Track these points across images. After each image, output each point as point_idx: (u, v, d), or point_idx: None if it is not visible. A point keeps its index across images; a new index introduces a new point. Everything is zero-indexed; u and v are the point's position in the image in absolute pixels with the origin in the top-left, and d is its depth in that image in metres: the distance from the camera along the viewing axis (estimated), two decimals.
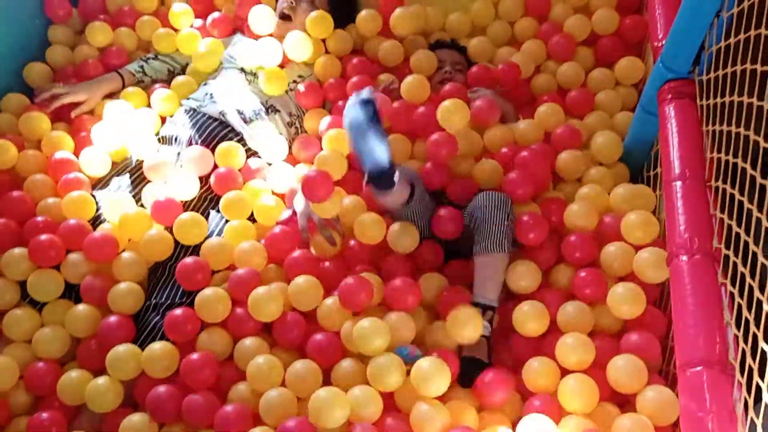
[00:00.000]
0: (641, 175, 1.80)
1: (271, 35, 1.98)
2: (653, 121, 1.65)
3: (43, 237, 1.56)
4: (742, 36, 1.29)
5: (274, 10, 2.02)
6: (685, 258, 1.31)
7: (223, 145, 1.78)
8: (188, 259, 1.57)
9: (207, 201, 1.77)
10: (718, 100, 1.37)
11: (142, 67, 2.07)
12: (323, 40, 2.03)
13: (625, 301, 1.48)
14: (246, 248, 1.61)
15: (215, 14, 2.12)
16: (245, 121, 1.88)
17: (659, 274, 1.48)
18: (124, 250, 1.65)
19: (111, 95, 2.00)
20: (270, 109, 1.93)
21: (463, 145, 1.80)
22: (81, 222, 1.62)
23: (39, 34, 2.13)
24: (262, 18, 1.97)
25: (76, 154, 1.82)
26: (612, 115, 1.93)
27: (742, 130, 1.24)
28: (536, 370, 1.45)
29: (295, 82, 2.00)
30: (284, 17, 2.01)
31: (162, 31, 2.09)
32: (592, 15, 2.08)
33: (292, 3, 2.00)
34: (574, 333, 1.46)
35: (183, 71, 2.10)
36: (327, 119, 1.90)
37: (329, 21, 1.99)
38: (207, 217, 1.72)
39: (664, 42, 1.63)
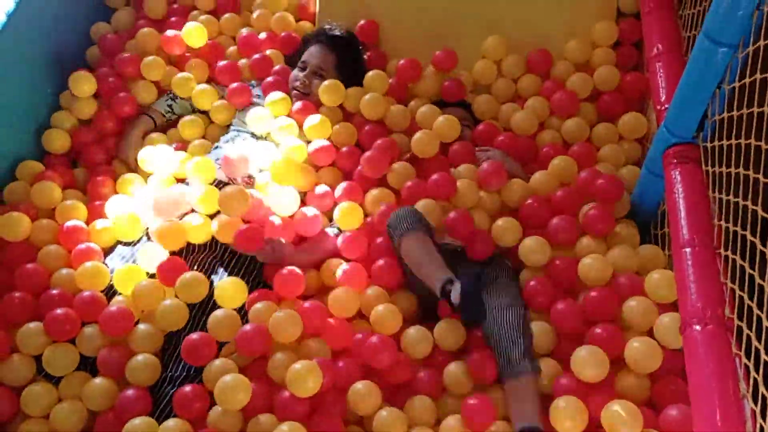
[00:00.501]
0: (649, 233, 1.83)
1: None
2: (659, 182, 1.68)
3: (59, 311, 1.57)
4: (745, 110, 1.32)
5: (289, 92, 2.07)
6: (698, 327, 1.32)
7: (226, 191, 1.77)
8: (194, 335, 1.58)
9: (212, 261, 1.78)
10: (724, 169, 1.40)
11: (170, 106, 2.14)
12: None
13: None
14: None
15: (234, 85, 2.11)
16: (251, 185, 1.91)
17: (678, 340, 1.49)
18: (138, 321, 1.66)
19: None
20: None
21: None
22: (96, 295, 1.63)
23: (49, 103, 2.16)
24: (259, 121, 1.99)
25: (90, 221, 1.85)
26: (617, 169, 1.96)
27: (749, 203, 1.27)
28: None
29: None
30: (300, 96, 2.05)
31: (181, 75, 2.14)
32: (592, 72, 2.13)
33: (305, 82, 2.05)
34: None
35: None
36: (342, 185, 1.92)
37: (341, 88, 2.03)
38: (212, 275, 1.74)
39: (666, 106, 1.67)
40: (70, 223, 1.81)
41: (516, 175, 1.90)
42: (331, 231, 1.85)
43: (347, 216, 1.82)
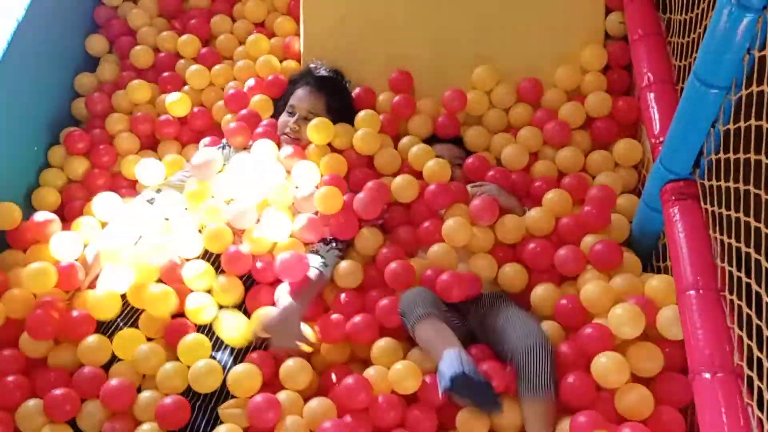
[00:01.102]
0: (650, 264, 1.81)
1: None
2: (658, 216, 1.66)
3: (58, 392, 1.55)
4: (742, 155, 1.30)
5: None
6: (707, 375, 1.30)
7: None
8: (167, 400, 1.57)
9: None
10: (723, 211, 1.38)
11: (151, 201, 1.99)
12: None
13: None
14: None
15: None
16: None
17: None
18: (140, 388, 1.64)
19: None
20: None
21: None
22: (96, 372, 1.61)
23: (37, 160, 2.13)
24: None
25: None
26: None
27: (752, 251, 1.25)
28: None
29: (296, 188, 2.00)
30: (289, 142, 2.02)
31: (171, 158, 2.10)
32: (584, 97, 2.11)
33: (295, 128, 2.02)
34: None
35: None
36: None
37: (330, 126, 2.00)
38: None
39: (661, 139, 1.65)
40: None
41: (512, 210, 1.88)
42: (315, 261, 1.81)
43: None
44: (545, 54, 2.17)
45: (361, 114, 2.07)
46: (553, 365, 1.52)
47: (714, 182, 1.43)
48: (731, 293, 1.35)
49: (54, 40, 2.25)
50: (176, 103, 2.19)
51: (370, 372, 1.60)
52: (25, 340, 1.63)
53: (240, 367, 1.61)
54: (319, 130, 1.99)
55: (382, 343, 1.66)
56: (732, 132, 1.34)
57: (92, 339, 1.66)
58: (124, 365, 1.66)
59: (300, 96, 2.06)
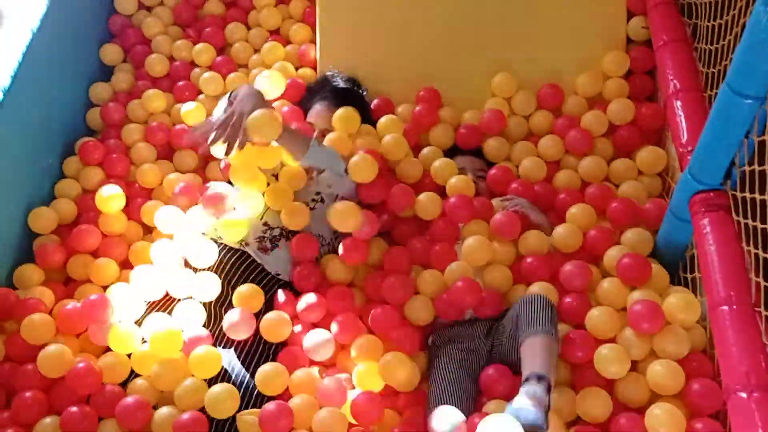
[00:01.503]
0: (677, 276, 1.76)
1: None
2: (686, 227, 1.61)
3: (75, 409, 1.53)
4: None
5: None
6: (743, 395, 1.26)
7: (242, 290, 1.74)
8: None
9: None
10: (758, 224, 1.34)
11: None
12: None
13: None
14: None
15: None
16: (266, 249, 1.86)
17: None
18: (156, 406, 1.61)
19: None
20: (291, 233, 1.90)
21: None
22: (114, 389, 1.59)
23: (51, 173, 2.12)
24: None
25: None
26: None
27: None
28: None
29: (314, 200, 1.95)
30: None
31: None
32: (606, 104, 2.07)
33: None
34: None
35: None
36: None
37: (356, 116, 1.96)
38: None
39: (689, 149, 1.61)
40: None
41: (541, 227, 1.83)
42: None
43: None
44: (566, 60, 2.14)
45: (384, 120, 2.04)
46: (554, 312, 1.50)
47: (747, 194, 1.39)
48: (766, 309, 1.31)
49: (69, 50, 2.23)
50: (191, 112, 2.16)
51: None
52: (43, 359, 1.60)
53: (268, 366, 1.61)
54: (344, 120, 1.95)
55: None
56: (767, 143, 1.30)
57: (110, 356, 1.64)
58: (143, 382, 1.63)
59: (318, 111, 2.03)
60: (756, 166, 1.35)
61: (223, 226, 1.81)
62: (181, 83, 2.29)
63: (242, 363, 1.69)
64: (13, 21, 2.02)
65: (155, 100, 2.24)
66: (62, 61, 2.18)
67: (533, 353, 1.44)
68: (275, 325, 1.70)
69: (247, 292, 1.74)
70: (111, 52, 2.40)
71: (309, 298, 1.75)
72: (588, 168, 1.98)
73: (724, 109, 1.35)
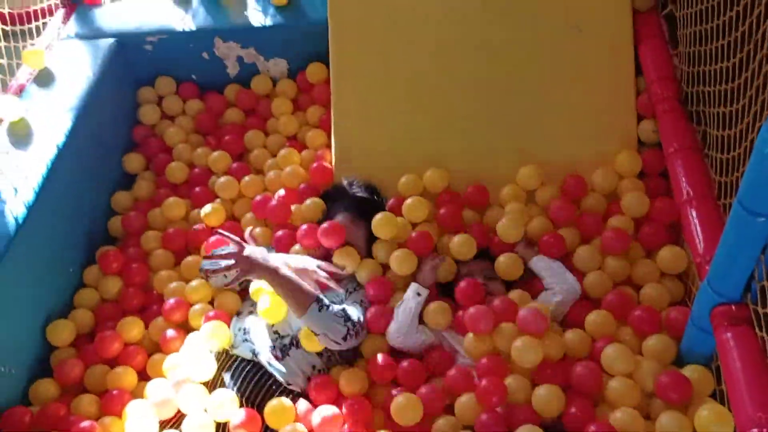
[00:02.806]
0: None
1: None
2: (708, 338, 1.57)
3: None
4: None
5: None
6: None
7: (273, 404, 1.72)
8: None
9: None
10: None
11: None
12: None
13: None
14: None
15: None
16: (278, 358, 1.84)
17: None
18: None
19: None
20: (300, 343, 1.87)
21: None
22: None
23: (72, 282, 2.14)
24: None
25: None
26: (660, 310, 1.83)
27: None
28: None
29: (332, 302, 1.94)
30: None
31: None
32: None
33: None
34: None
35: None
36: None
37: (395, 221, 2.00)
38: None
39: (706, 258, 1.58)
40: None
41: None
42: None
43: None
44: (582, 155, 2.14)
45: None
46: None
47: None
48: None
49: (93, 162, 2.30)
50: (211, 214, 2.21)
51: None
52: None
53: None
54: (383, 225, 1.98)
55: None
56: None
57: None
58: None
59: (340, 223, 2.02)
60: None
61: (261, 312, 1.83)
62: (197, 189, 2.35)
63: None
64: (42, 135, 2.11)
65: (175, 207, 2.28)
66: (87, 173, 2.25)
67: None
68: None
69: (278, 406, 1.72)
70: (134, 161, 2.48)
71: (324, 411, 1.73)
72: (614, 269, 1.92)
73: (738, 226, 1.33)
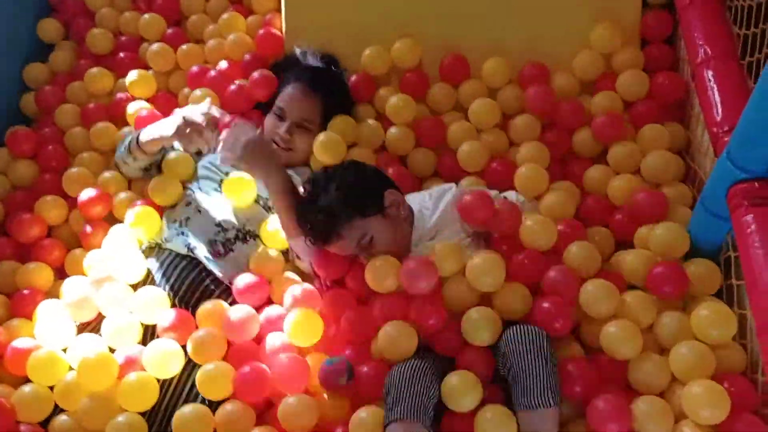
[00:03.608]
0: None
1: None
2: (722, 224, 1.34)
3: None
4: None
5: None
6: None
7: (206, 306, 1.48)
8: None
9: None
10: None
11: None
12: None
13: None
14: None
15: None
16: (219, 254, 1.59)
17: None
18: None
19: None
20: (248, 234, 1.63)
21: None
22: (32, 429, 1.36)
23: None
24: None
25: None
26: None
27: None
28: None
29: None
30: (281, 151, 1.70)
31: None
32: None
33: (286, 137, 1.71)
34: None
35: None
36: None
37: (341, 145, 1.70)
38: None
39: (725, 128, 1.33)
40: None
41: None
42: None
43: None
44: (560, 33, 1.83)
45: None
46: (555, 372, 1.25)
47: None
48: None
49: (1, 26, 1.98)
50: (138, 82, 1.90)
51: None
52: None
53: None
54: (327, 149, 1.68)
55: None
56: None
57: (27, 389, 1.38)
58: (67, 419, 1.38)
59: (290, 97, 1.74)
60: None
61: (226, 186, 1.63)
62: (122, 54, 2.02)
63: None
64: None
65: (98, 79, 1.95)
66: None
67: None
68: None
69: (213, 309, 1.47)
70: (49, 27, 2.13)
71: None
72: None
73: None
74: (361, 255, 1.47)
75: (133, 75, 1.91)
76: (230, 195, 1.63)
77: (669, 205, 1.52)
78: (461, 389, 1.28)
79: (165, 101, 1.91)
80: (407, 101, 1.78)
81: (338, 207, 1.43)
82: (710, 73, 1.41)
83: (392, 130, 1.77)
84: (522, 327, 1.30)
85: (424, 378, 1.28)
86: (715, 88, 1.38)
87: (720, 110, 1.35)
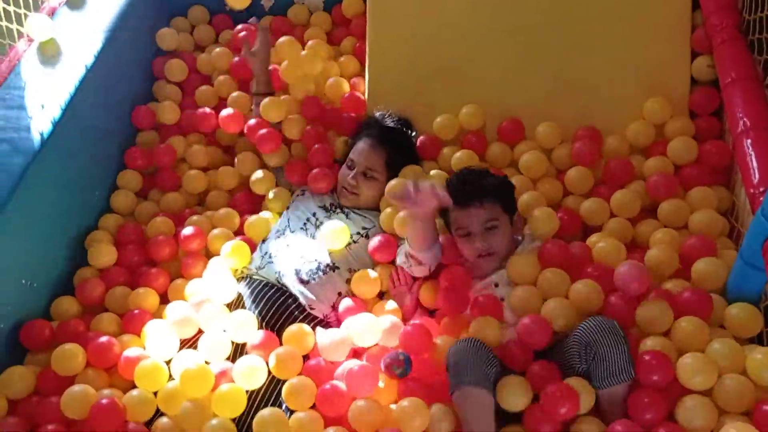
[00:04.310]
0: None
1: None
2: (759, 275, 1.46)
3: None
4: None
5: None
6: None
7: (291, 329, 1.67)
8: None
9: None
10: None
11: None
12: None
13: None
14: None
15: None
16: (303, 282, 1.80)
17: None
18: None
19: None
20: (328, 267, 1.83)
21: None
22: (138, 427, 1.53)
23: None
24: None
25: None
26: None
27: None
28: None
29: (359, 234, 1.90)
30: (347, 194, 1.95)
31: None
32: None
33: (353, 183, 1.94)
34: None
35: None
36: None
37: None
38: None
39: (761, 189, 1.47)
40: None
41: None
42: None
43: None
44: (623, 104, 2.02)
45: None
46: (627, 345, 1.42)
47: None
48: None
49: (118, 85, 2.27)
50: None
51: None
52: (66, 399, 1.55)
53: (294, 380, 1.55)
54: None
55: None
56: None
57: (135, 392, 1.58)
58: (168, 421, 1.55)
59: (360, 150, 1.97)
60: None
61: (328, 236, 1.83)
62: None
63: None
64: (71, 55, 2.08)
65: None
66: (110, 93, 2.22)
67: (617, 406, 1.43)
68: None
69: (297, 332, 1.66)
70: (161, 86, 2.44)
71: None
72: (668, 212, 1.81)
73: None
74: (476, 238, 1.67)
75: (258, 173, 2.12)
76: (329, 243, 1.84)
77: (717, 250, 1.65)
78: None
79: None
80: (470, 155, 1.99)
81: (496, 187, 1.71)
82: (748, 141, 1.56)
83: None
84: (598, 317, 1.46)
85: (486, 351, 1.45)
86: (753, 155, 1.53)
87: (757, 174, 1.50)
